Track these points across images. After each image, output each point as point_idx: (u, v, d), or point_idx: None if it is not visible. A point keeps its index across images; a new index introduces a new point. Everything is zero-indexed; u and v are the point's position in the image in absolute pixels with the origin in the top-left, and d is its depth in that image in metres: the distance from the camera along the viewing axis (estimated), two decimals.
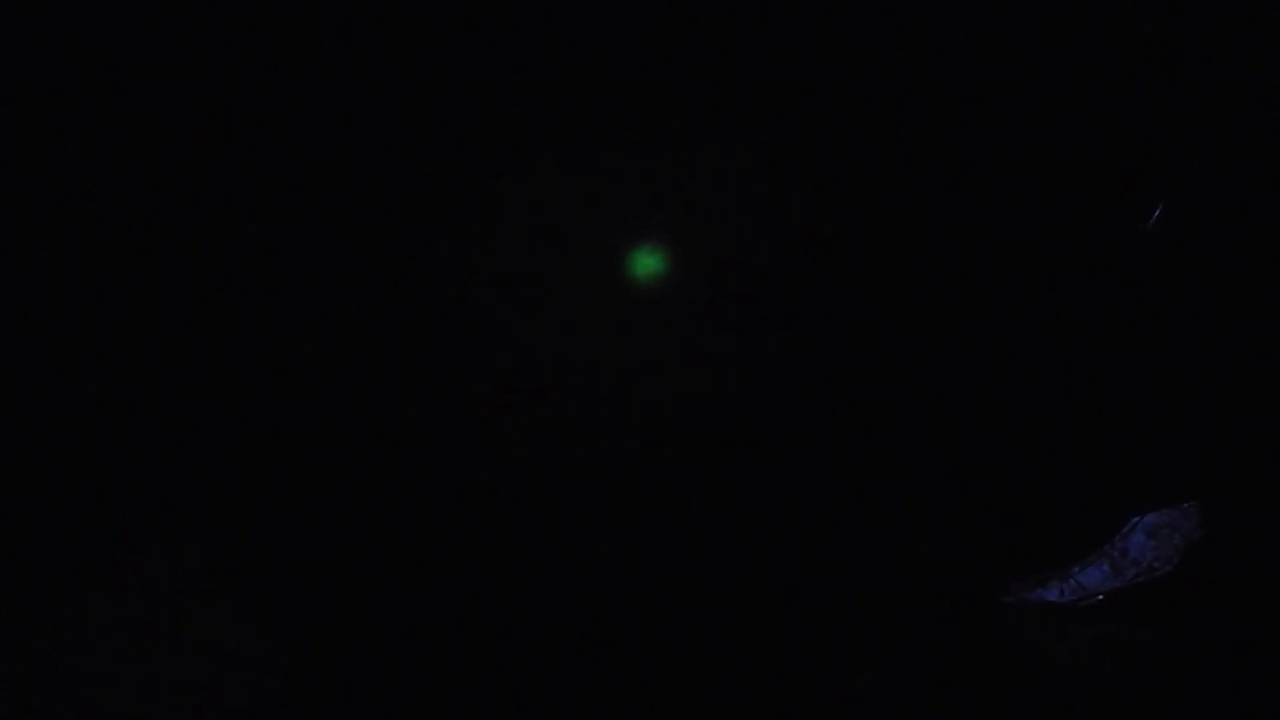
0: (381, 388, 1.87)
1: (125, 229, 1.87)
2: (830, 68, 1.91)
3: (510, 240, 1.78)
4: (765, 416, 1.73)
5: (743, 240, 1.80)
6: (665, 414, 1.73)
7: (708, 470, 1.77)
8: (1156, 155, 1.97)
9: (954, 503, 2.01)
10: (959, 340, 1.99)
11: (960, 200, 1.97)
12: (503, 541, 1.90)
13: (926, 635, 1.98)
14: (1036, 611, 1.98)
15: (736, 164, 1.85)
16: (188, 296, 1.91)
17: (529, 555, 1.91)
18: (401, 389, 1.87)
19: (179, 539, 1.94)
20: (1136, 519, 1.99)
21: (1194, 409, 2.01)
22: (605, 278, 1.72)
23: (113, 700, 1.87)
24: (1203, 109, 1.95)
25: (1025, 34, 1.93)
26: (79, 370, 1.90)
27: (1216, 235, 1.99)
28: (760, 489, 1.85)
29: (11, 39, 1.80)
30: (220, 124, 1.86)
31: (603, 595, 1.94)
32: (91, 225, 1.86)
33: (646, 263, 1.65)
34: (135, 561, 1.91)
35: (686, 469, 1.79)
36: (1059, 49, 1.93)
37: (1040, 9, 1.92)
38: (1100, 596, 1.97)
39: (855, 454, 1.89)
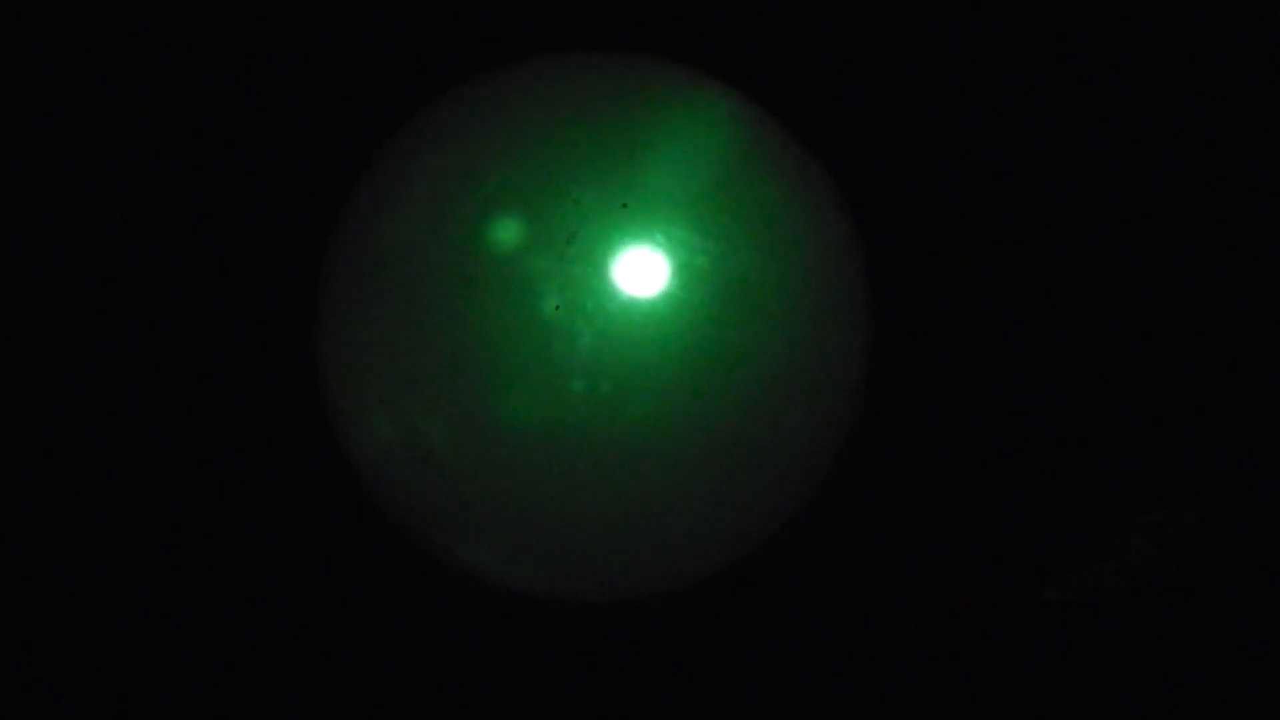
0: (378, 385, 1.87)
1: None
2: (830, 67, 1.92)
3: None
4: (762, 415, 1.73)
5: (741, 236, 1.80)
6: (661, 412, 1.73)
7: (705, 469, 1.77)
8: (1156, 155, 1.98)
9: (953, 502, 2.01)
10: (958, 339, 1.99)
11: (958, 198, 1.97)
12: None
13: (926, 635, 1.98)
14: (1036, 611, 1.98)
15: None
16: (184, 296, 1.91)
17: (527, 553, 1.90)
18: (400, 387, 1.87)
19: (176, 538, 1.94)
20: (1136, 519, 1.99)
21: (1194, 409, 2.01)
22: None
23: (110, 699, 1.87)
24: (1202, 109, 1.95)
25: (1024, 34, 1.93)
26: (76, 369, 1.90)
27: (1216, 235, 1.99)
28: (758, 488, 1.85)
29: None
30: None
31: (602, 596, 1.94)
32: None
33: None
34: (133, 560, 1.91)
35: (683, 467, 1.79)
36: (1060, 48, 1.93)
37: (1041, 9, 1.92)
38: (1100, 597, 1.97)
39: (853, 452, 1.89)
